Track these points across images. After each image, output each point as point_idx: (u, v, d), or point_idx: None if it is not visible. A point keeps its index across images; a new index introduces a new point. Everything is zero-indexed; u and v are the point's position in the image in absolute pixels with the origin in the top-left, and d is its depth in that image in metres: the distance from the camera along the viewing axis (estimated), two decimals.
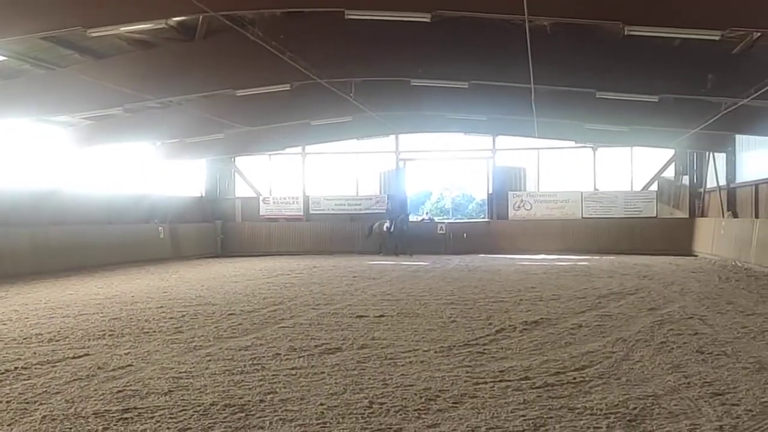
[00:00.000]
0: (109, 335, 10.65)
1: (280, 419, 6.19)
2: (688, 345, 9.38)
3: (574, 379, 7.57)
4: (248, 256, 32.00)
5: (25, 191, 23.59)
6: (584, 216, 32.75)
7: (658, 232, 31.70)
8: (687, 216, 31.74)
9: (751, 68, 17.36)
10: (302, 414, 6.34)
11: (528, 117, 24.43)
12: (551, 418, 6.15)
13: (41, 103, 20.17)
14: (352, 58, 19.38)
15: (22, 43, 16.95)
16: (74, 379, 7.73)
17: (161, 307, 13.98)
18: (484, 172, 35.39)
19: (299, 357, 8.85)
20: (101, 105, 21.34)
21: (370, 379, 7.66)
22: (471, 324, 11.43)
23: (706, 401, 6.64)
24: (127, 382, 7.56)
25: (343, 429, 5.90)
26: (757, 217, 24.29)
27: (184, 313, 12.95)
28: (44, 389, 7.31)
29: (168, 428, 5.96)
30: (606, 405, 6.51)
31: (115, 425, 6.06)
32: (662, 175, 32.70)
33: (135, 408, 6.56)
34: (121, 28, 15.41)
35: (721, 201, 28.09)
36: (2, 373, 8.06)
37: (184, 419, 6.21)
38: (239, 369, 8.18)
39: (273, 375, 7.86)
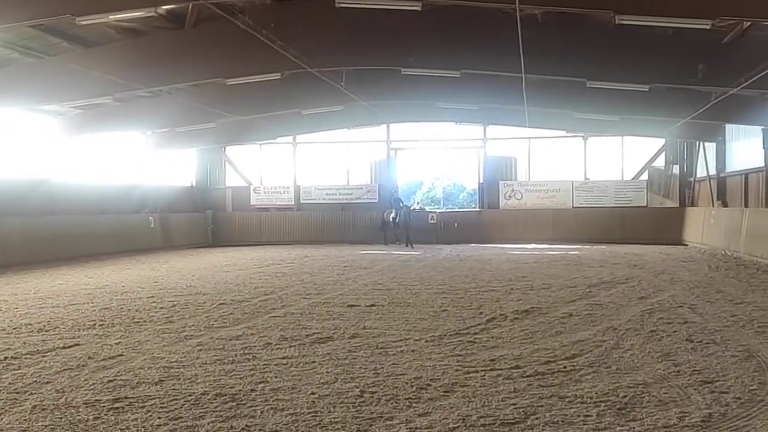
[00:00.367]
0: (100, 325, 10.62)
1: (272, 408, 6.19)
2: (677, 333, 9.43)
3: (565, 367, 7.60)
4: (239, 246, 31.95)
5: (14, 181, 23.48)
6: (575, 205, 32.81)
7: (648, 221, 31.79)
8: (677, 205, 31.84)
9: (742, 57, 17.40)
10: (293, 403, 6.34)
11: (519, 106, 24.43)
12: (542, 406, 6.17)
13: (30, 92, 20.07)
14: (342, 46, 19.32)
15: (10, 31, 16.83)
16: (64, 369, 7.71)
17: (152, 297, 13.95)
18: (475, 162, 35.38)
19: (290, 346, 8.85)
20: (91, 94, 21.24)
21: (361, 368, 7.67)
22: (462, 313, 11.46)
23: (695, 389, 6.67)
24: (118, 372, 7.54)
25: (335, 418, 5.90)
26: (746, 206, 24.39)
27: (175, 303, 12.93)
28: (34, 379, 7.29)
29: (159, 418, 5.95)
30: (596, 393, 6.54)
31: (105, 415, 6.04)
32: (653, 164, 32.78)
33: (126, 398, 6.55)
34: (110, 17, 15.33)
35: (711, 190, 28.19)
36: None
37: (175, 409, 6.20)
38: (230, 358, 8.17)
39: (264, 364, 7.86)
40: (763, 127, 22.26)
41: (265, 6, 17.40)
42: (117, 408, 6.24)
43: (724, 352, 8.27)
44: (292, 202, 35.14)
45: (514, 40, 15.40)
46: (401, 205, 30.66)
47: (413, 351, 8.53)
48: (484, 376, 7.27)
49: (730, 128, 26.60)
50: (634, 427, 5.57)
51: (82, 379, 7.28)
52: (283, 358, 8.19)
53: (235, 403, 6.35)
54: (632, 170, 33.10)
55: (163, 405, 6.31)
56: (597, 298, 13.06)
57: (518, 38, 15.13)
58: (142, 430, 5.67)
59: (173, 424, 5.78)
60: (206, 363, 7.95)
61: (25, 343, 9.25)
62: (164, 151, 31.76)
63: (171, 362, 8.00)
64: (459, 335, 9.52)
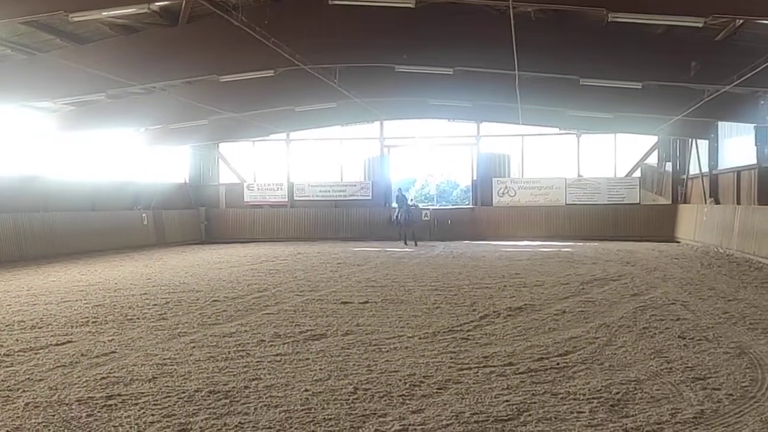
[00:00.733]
0: (93, 322, 10.61)
1: (265, 405, 6.19)
2: (670, 330, 9.46)
3: (558, 364, 7.62)
4: (232, 243, 31.91)
5: (7, 178, 23.39)
6: (568, 202, 32.85)
7: (641, 218, 31.88)
8: (670, 202, 31.93)
9: (734, 55, 17.46)
10: (287, 400, 6.35)
11: (512, 103, 24.43)
12: (535, 403, 6.20)
13: (23, 88, 19.99)
14: (336, 44, 19.29)
15: (2, 27, 16.77)
16: (57, 366, 7.70)
17: (145, 293, 13.94)
18: (469, 159, 35.38)
19: (284, 343, 8.85)
20: (84, 91, 21.15)
21: (354, 365, 7.68)
22: (455, 310, 11.48)
23: (687, 386, 6.70)
24: (111, 369, 7.54)
25: (328, 415, 5.91)
26: (738, 203, 24.47)
27: (168, 300, 12.92)
28: (27, 376, 7.28)
29: (152, 415, 5.95)
30: (589, 390, 6.56)
31: (98, 412, 6.04)
32: (645, 161, 32.89)
33: (119, 395, 6.55)
34: (104, 13, 15.26)
35: (703, 187, 28.28)
36: None
37: (169, 406, 6.20)
38: (223, 355, 8.17)
39: (257, 361, 7.86)
40: (755, 124, 22.33)
41: (258, 3, 17.39)
42: (110, 405, 6.23)
43: (717, 348, 8.31)
44: (286, 199, 35.12)
45: (508, 38, 15.39)
46: (405, 203, 30.00)
47: (406, 348, 8.54)
48: (477, 373, 7.29)
49: (723, 126, 26.71)
50: (626, 424, 5.59)
51: (75, 376, 7.28)
52: (277, 355, 8.19)
53: (228, 400, 6.35)
54: (625, 167, 33.18)
55: (156, 402, 6.31)
56: (590, 295, 13.10)
57: (511, 36, 15.13)
58: (135, 427, 5.67)
59: (166, 421, 5.78)
60: (199, 360, 7.95)
61: (17, 340, 9.23)
62: (157, 148, 31.69)
63: (164, 359, 7.99)
64: (452, 332, 9.53)
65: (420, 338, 9.12)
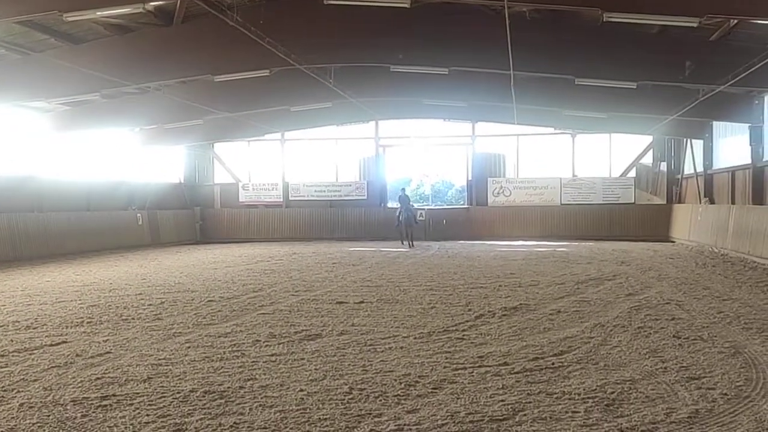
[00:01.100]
0: (88, 322, 10.59)
1: (260, 405, 6.19)
2: (665, 330, 9.48)
3: (553, 364, 7.63)
4: (227, 243, 31.88)
5: (2, 177, 23.34)
6: (563, 202, 32.88)
7: (636, 218, 31.92)
8: (665, 202, 31.98)
9: (729, 55, 17.49)
10: (282, 400, 6.35)
11: (507, 103, 24.45)
12: (530, 402, 6.20)
13: (17, 88, 19.95)
14: (331, 43, 19.28)
15: None
16: (52, 367, 7.69)
17: (140, 294, 13.92)
18: (464, 159, 35.37)
19: (279, 343, 8.85)
20: (78, 90, 21.11)
21: (350, 365, 7.68)
22: (450, 310, 11.48)
23: (682, 385, 6.72)
24: (106, 370, 7.53)
25: (323, 415, 5.91)
26: (733, 203, 24.50)
27: (163, 300, 12.91)
28: (22, 377, 7.27)
29: (147, 415, 5.95)
30: (584, 389, 6.57)
31: (93, 412, 6.04)
32: (640, 161, 32.92)
33: (114, 395, 6.54)
34: (98, 13, 15.22)
35: (698, 187, 28.33)
36: None
37: (164, 406, 6.20)
38: (219, 356, 8.17)
39: (253, 361, 7.86)
40: (749, 124, 22.38)
41: (253, 3, 17.36)
42: (105, 405, 6.23)
43: (711, 348, 8.33)
44: (281, 199, 35.09)
45: (503, 38, 15.39)
46: (408, 203, 29.01)
47: (402, 348, 8.55)
48: (472, 372, 7.30)
49: (717, 125, 26.75)
50: (621, 423, 5.61)
51: (70, 376, 7.27)
52: (272, 355, 8.19)
53: (223, 401, 6.35)
54: (620, 167, 33.22)
55: (151, 402, 6.31)
56: (585, 295, 13.11)
57: (507, 35, 15.14)
58: (130, 427, 5.66)
59: (161, 422, 5.77)
60: (195, 360, 7.94)
61: (12, 340, 9.22)
62: (152, 148, 31.64)
63: (159, 359, 7.99)
64: (447, 332, 9.54)
65: (415, 338, 9.13)
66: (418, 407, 6.11)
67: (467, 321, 10.40)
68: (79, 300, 13.07)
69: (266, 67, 20.33)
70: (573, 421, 5.70)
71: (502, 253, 23.79)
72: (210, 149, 35.95)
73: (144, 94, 24.40)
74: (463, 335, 9.31)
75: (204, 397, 6.47)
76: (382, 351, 8.38)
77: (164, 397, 6.48)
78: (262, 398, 6.41)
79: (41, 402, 6.35)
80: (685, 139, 30.02)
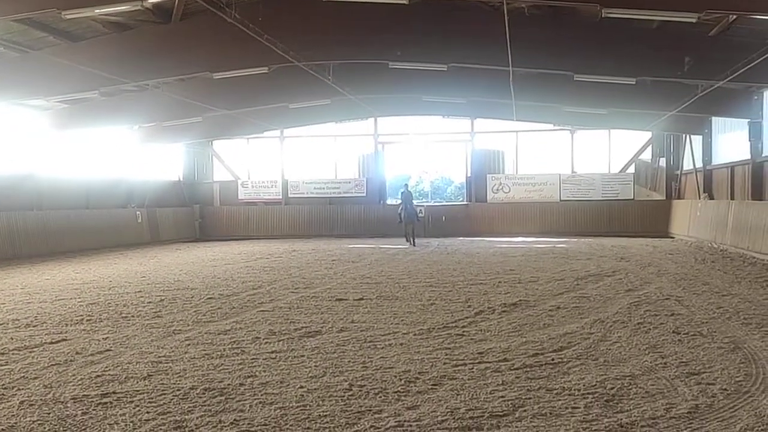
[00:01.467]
0: (87, 320, 10.59)
1: (260, 402, 6.19)
2: (664, 325, 9.48)
3: (553, 360, 7.64)
4: (227, 240, 31.87)
5: (1, 176, 23.32)
6: (562, 198, 32.88)
7: (635, 214, 31.93)
8: (664, 198, 31.98)
9: (728, 51, 17.48)
10: (282, 397, 6.35)
11: (506, 100, 24.45)
12: (529, 398, 6.21)
13: (15, 86, 19.94)
14: (330, 40, 19.27)
15: None
16: (52, 365, 7.69)
17: (139, 291, 13.92)
18: (463, 155, 35.37)
19: (279, 340, 8.85)
20: (77, 88, 21.10)
21: (349, 361, 7.68)
22: (450, 306, 11.48)
23: (682, 381, 6.72)
24: (106, 367, 7.53)
25: (323, 412, 5.91)
26: (732, 198, 24.51)
27: (163, 298, 12.90)
28: (22, 375, 7.27)
29: (147, 412, 5.95)
30: (584, 385, 6.58)
31: (93, 410, 6.04)
32: (639, 157, 32.90)
33: (114, 392, 6.54)
34: (96, 11, 15.21)
35: (697, 183, 28.33)
36: None
37: (164, 403, 6.20)
38: (219, 353, 8.17)
39: (252, 359, 7.86)
40: (748, 119, 22.37)
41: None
42: (105, 403, 6.23)
43: (711, 343, 8.33)
44: (280, 196, 35.10)
45: (502, 34, 15.39)
46: (411, 200, 28.24)
47: (402, 344, 8.55)
48: (472, 368, 7.30)
49: (717, 121, 26.76)
50: (621, 419, 5.61)
51: (70, 374, 7.27)
52: (272, 352, 8.19)
53: (223, 398, 6.35)
54: (619, 163, 33.21)
55: (151, 400, 6.31)
56: (584, 291, 13.12)
57: (506, 32, 15.14)
58: (131, 425, 5.66)
59: (161, 419, 5.77)
60: (194, 357, 7.94)
61: (12, 338, 9.22)
62: (151, 146, 31.61)
63: (159, 357, 7.99)
64: (447, 328, 9.54)
65: (415, 335, 9.13)
66: (418, 403, 6.12)
67: (467, 317, 10.40)
68: (79, 298, 13.07)
69: (265, 64, 20.33)
70: (573, 416, 5.71)
71: (501, 250, 23.79)
72: (209, 147, 35.94)
73: (143, 92, 24.38)
74: (463, 331, 9.31)
75: (204, 394, 6.47)
76: (382, 348, 8.38)
77: (164, 394, 6.48)
78: (262, 395, 6.42)
79: (41, 400, 6.35)
80: (684, 135, 30.02)
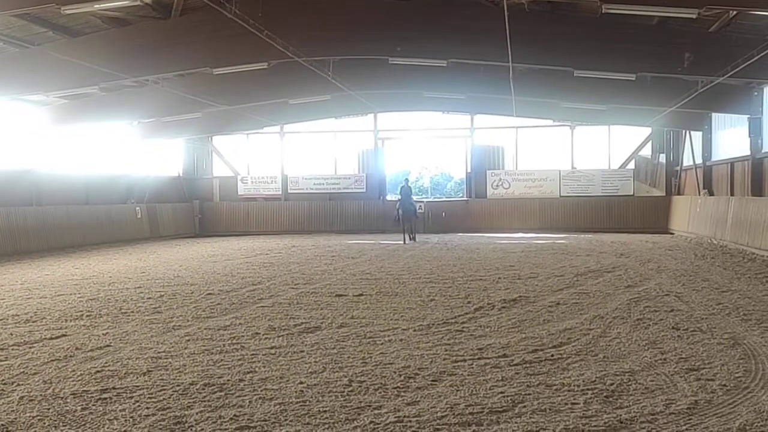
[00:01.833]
0: (87, 316, 10.59)
1: (260, 398, 6.19)
2: (664, 321, 9.49)
3: (552, 356, 7.63)
4: (226, 236, 31.89)
5: (0, 171, 23.32)
6: (562, 194, 32.87)
7: (635, 210, 31.94)
8: (663, 194, 31.98)
9: (728, 46, 17.46)
10: (282, 392, 6.35)
11: (506, 96, 24.43)
12: (529, 394, 6.21)
13: (15, 81, 19.93)
14: (330, 36, 19.25)
15: None
16: (52, 360, 7.69)
17: (139, 287, 13.92)
18: (463, 151, 35.37)
19: (278, 336, 8.85)
20: (76, 84, 21.09)
21: (349, 357, 7.68)
22: (450, 302, 11.48)
23: (681, 376, 6.72)
24: (106, 363, 7.53)
25: (323, 407, 5.91)
26: (732, 194, 24.51)
27: (163, 294, 12.90)
28: (21, 370, 7.27)
29: (147, 408, 5.95)
30: (583, 381, 6.58)
31: (93, 405, 6.03)
32: (639, 153, 32.88)
33: (113, 388, 6.54)
34: (96, 6, 15.20)
35: (697, 179, 28.32)
36: None
37: (164, 399, 6.20)
38: (218, 348, 8.17)
39: (252, 354, 7.86)
40: (748, 115, 22.35)
41: None
42: (105, 398, 6.23)
43: (710, 339, 8.33)
44: (280, 192, 35.09)
45: (501, 30, 15.38)
46: (410, 195, 27.78)
47: (401, 340, 8.55)
48: (471, 364, 7.30)
49: (716, 117, 26.74)
50: (620, 415, 5.60)
51: (70, 369, 7.27)
52: (272, 347, 8.19)
53: (223, 393, 6.35)
54: (619, 159, 33.19)
55: (151, 395, 6.31)
56: (584, 287, 13.12)
57: (505, 27, 15.12)
58: (130, 420, 5.66)
59: (161, 414, 5.77)
60: (194, 353, 7.94)
61: (12, 334, 9.22)
62: (151, 141, 31.61)
63: (159, 352, 7.99)
64: (447, 324, 9.54)
65: (415, 330, 9.13)
66: (418, 399, 6.12)
67: (467, 313, 10.40)
68: (79, 293, 13.07)
69: (265, 60, 20.32)
70: (572, 412, 5.71)
71: (501, 246, 23.80)
72: (209, 142, 35.91)
73: (142, 87, 24.38)
74: (463, 327, 9.31)
75: (204, 389, 6.47)
76: (382, 343, 8.38)
77: (164, 389, 6.48)
78: (261, 391, 6.41)
79: (41, 395, 6.35)
80: (684, 131, 29.99)
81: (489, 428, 5.41)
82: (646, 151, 32.78)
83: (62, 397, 6.27)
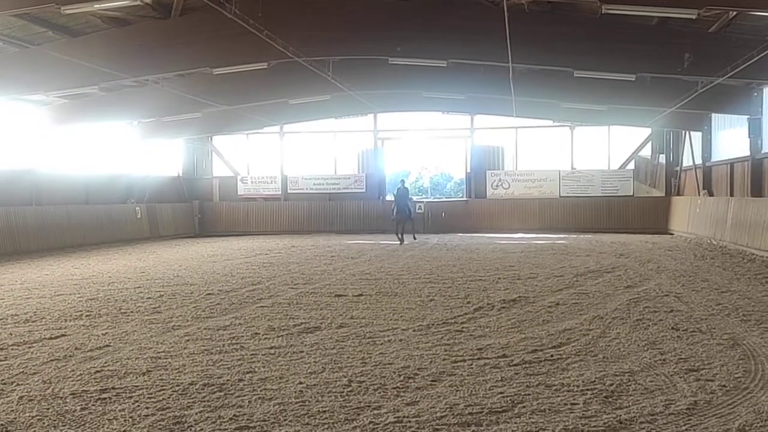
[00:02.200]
0: (87, 316, 10.59)
1: (259, 398, 6.19)
2: (663, 322, 9.48)
3: (552, 356, 7.63)
4: (226, 236, 31.89)
5: (0, 171, 23.32)
6: (562, 195, 32.88)
7: (634, 210, 31.95)
8: (663, 194, 31.99)
9: (728, 47, 17.47)
10: (281, 393, 6.35)
11: (506, 96, 24.44)
12: (529, 394, 6.20)
13: (15, 81, 19.93)
14: (330, 36, 19.25)
15: None
16: (51, 360, 7.68)
17: (139, 287, 13.91)
18: (463, 151, 35.38)
19: (278, 336, 8.85)
20: (76, 83, 21.10)
21: (349, 357, 7.68)
22: (449, 302, 11.48)
23: (681, 377, 6.72)
24: (105, 363, 7.52)
25: (322, 407, 5.91)
26: (732, 195, 24.51)
27: (162, 293, 12.90)
28: (21, 370, 7.26)
29: (146, 408, 5.94)
30: (583, 381, 6.57)
31: (93, 405, 6.03)
32: (639, 154, 32.88)
33: (113, 388, 6.53)
34: (96, 6, 15.20)
35: (696, 179, 28.32)
36: None
37: (163, 399, 6.20)
38: (218, 348, 8.17)
39: (252, 354, 7.86)
40: (748, 116, 22.36)
41: None
42: (104, 398, 6.22)
43: (710, 340, 8.33)
44: (279, 192, 35.10)
45: (501, 30, 15.38)
46: (406, 196, 27.40)
47: (401, 340, 8.54)
48: (471, 365, 7.30)
49: (716, 118, 26.75)
50: (620, 415, 5.60)
51: (69, 369, 7.26)
52: (271, 348, 8.19)
53: (222, 393, 6.35)
54: (619, 160, 33.20)
55: (150, 395, 6.30)
56: (584, 287, 13.12)
57: (505, 28, 15.12)
58: (130, 420, 5.66)
59: (161, 414, 5.77)
60: (194, 353, 7.94)
61: (11, 334, 9.21)
62: (151, 141, 31.62)
63: (158, 352, 7.98)
64: (446, 324, 9.54)
65: (414, 331, 9.13)
66: (418, 399, 6.11)
67: (466, 313, 10.40)
68: (78, 293, 13.07)
69: (264, 60, 20.32)
70: (572, 413, 5.70)
71: (500, 246, 23.79)
72: (208, 142, 35.92)
73: (142, 87, 24.38)
74: (462, 327, 9.31)
75: (203, 389, 6.47)
76: (381, 343, 8.38)
77: (163, 389, 6.47)
78: (261, 391, 6.41)
79: (40, 395, 6.34)
80: (683, 132, 30.01)
81: (488, 428, 5.40)
82: (646, 152, 32.79)
83: (62, 397, 6.27)
